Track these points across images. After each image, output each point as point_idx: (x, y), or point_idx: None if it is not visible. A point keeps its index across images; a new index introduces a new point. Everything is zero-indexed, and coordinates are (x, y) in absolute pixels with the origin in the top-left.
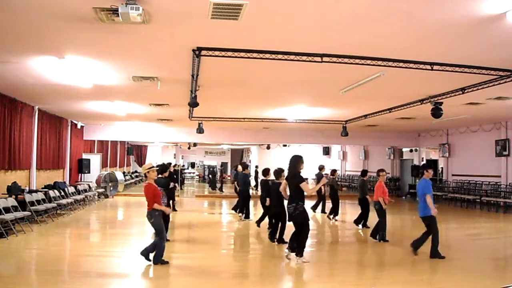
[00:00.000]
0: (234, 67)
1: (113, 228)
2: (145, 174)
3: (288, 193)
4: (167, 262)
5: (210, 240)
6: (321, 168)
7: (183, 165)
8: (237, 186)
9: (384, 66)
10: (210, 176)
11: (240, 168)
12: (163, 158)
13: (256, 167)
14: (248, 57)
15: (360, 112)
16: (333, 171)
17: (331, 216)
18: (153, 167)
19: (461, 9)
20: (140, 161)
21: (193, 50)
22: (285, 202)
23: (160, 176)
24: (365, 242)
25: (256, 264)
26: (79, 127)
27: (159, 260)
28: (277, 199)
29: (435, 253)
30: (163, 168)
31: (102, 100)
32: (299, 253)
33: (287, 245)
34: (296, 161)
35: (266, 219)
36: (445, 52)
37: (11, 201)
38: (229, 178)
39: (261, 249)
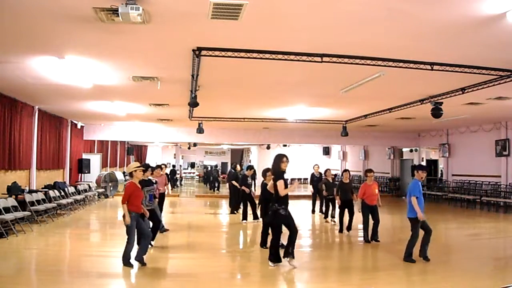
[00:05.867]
0: (234, 67)
1: (113, 228)
2: (130, 173)
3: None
4: (131, 266)
5: (209, 241)
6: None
7: (171, 165)
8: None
9: (384, 66)
10: (211, 176)
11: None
12: (163, 158)
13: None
14: (248, 57)
15: (360, 112)
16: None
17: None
18: (139, 166)
19: (461, 9)
20: (140, 161)
21: (193, 50)
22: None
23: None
24: (363, 243)
25: (254, 266)
26: (79, 127)
27: (124, 262)
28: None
29: (408, 257)
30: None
31: (102, 100)
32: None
33: (286, 256)
34: (278, 159)
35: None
36: (445, 52)
37: (11, 201)
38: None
39: (259, 250)
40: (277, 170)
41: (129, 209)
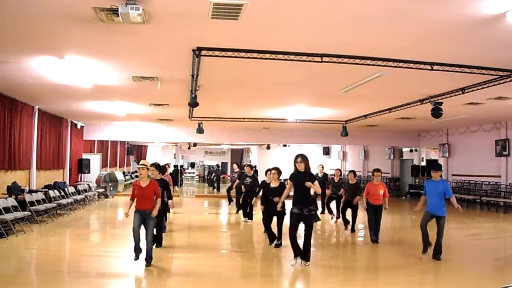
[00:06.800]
0: (234, 67)
1: (113, 228)
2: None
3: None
4: (135, 256)
5: (210, 241)
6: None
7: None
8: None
9: (384, 66)
10: (213, 176)
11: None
12: (163, 158)
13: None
14: (248, 57)
15: (360, 112)
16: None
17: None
18: (142, 165)
19: (461, 9)
20: (140, 161)
21: (193, 50)
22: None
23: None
24: (365, 243)
25: (256, 265)
26: (79, 127)
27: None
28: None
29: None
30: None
31: (102, 100)
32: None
33: (301, 258)
34: (294, 160)
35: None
36: (445, 52)
37: (11, 201)
38: (228, 177)
39: (261, 249)
40: (294, 170)
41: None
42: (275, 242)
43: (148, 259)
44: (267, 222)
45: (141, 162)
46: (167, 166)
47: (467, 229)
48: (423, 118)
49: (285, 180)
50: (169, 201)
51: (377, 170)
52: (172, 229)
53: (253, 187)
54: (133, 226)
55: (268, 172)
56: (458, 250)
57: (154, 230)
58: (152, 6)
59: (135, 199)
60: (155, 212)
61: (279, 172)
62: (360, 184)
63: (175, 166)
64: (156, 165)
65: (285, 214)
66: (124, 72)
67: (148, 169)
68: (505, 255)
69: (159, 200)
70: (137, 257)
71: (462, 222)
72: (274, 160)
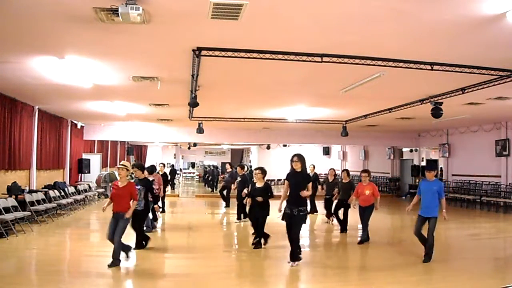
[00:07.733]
0: (234, 67)
1: None
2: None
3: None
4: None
5: (207, 241)
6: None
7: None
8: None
9: (384, 66)
10: (210, 176)
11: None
12: (163, 158)
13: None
14: (248, 57)
15: (360, 112)
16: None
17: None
18: (122, 165)
19: (461, 9)
20: (140, 161)
21: (193, 50)
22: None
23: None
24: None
25: (252, 265)
26: (79, 127)
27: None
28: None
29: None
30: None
31: (102, 100)
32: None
33: (294, 259)
34: (290, 160)
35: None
36: (445, 52)
37: (11, 201)
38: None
39: (257, 250)
40: (290, 170)
41: None
42: (253, 241)
43: (115, 260)
44: (253, 222)
45: (121, 162)
46: (161, 166)
47: (467, 229)
48: (423, 118)
49: (278, 180)
50: (154, 206)
51: (364, 171)
52: (171, 229)
53: (241, 187)
54: (107, 233)
55: (254, 172)
56: (457, 250)
57: (133, 232)
58: (152, 6)
59: (112, 199)
60: (127, 215)
61: (263, 171)
62: (353, 183)
63: (172, 165)
64: (138, 165)
65: (267, 214)
66: (124, 72)
67: (127, 170)
68: (505, 255)
69: (134, 203)
70: (125, 259)
71: (462, 222)
72: (274, 160)
